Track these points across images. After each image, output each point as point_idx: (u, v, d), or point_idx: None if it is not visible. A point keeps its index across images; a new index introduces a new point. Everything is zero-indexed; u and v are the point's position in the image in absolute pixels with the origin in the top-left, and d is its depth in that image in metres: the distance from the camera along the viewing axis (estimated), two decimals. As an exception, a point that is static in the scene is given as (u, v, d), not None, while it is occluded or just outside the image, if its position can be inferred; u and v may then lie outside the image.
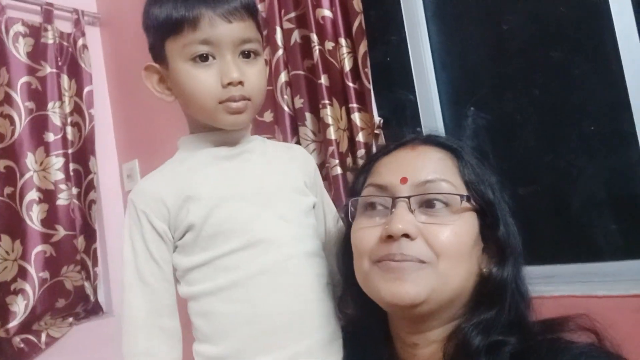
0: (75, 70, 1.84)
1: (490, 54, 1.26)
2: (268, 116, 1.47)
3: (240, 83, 0.70)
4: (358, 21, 1.28)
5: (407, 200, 0.59)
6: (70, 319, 1.70)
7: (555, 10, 1.12)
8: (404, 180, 0.60)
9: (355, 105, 1.28)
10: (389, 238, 0.57)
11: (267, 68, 0.86)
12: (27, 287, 1.59)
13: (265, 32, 1.47)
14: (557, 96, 1.14)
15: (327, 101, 1.30)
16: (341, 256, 0.71)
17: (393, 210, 0.59)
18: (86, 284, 1.74)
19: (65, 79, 1.81)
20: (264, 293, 0.71)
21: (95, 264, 1.78)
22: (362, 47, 1.27)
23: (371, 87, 1.28)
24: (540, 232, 1.19)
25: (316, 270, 0.75)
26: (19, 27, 1.70)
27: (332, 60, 1.31)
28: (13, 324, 1.55)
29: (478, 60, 1.29)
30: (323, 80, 1.31)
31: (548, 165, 1.16)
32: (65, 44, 1.83)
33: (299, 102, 1.39)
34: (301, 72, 1.39)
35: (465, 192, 0.60)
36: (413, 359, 0.63)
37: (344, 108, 1.31)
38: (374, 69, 1.32)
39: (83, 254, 1.74)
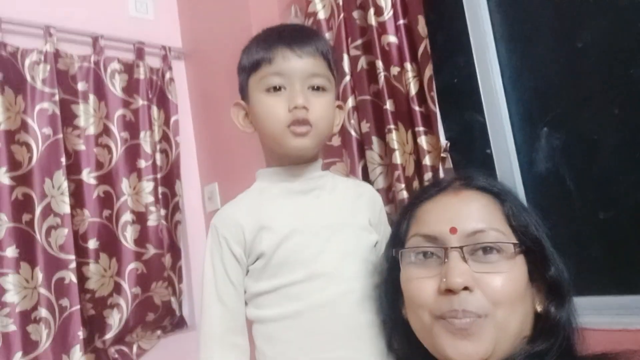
0: (163, 102, 2.02)
1: (564, 73, 1.21)
2: (336, 140, 1.51)
3: (305, 108, 0.77)
4: (423, 46, 1.29)
5: (460, 250, 0.59)
6: (159, 332, 1.84)
7: (633, 25, 1.06)
8: (453, 231, 0.61)
9: (421, 128, 1.29)
10: (448, 292, 0.58)
11: (340, 112, 0.91)
12: (122, 302, 1.75)
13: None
14: (638, 114, 1.07)
15: (392, 126, 1.31)
16: (387, 298, 0.72)
17: (447, 260, 0.60)
18: (172, 299, 1.87)
19: (154, 110, 1.98)
20: (323, 325, 0.75)
21: (180, 280, 1.92)
22: (428, 71, 1.28)
23: (437, 110, 1.27)
24: (626, 259, 1.11)
25: (372, 307, 0.78)
26: (115, 65, 1.90)
27: (397, 85, 1.33)
28: (109, 335, 1.71)
29: (550, 79, 1.24)
30: (388, 105, 1.33)
31: (631, 187, 1.09)
32: (154, 78, 2.01)
33: (365, 126, 1.42)
34: (367, 97, 1.43)
35: (514, 239, 0.61)
36: None
37: (410, 132, 1.32)
38: (441, 92, 1.32)
39: (170, 271, 1.88)
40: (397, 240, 0.69)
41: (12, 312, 1.51)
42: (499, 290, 0.58)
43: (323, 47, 0.82)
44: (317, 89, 0.80)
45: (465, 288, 0.57)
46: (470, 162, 1.35)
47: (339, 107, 0.90)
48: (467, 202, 0.64)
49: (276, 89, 0.79)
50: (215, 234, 0.82)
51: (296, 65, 0.78)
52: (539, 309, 0.62)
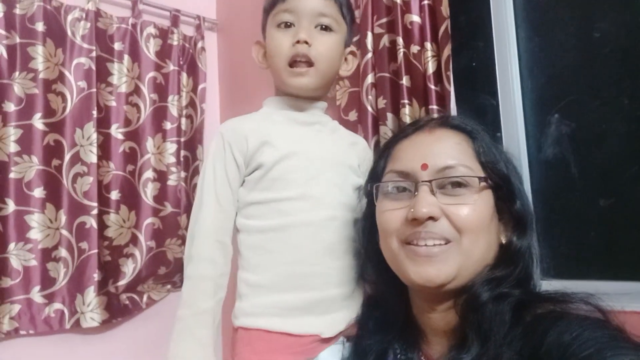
0: (193, 69, 2.10)
1: (579, 61, 1.23)
2: (353, 115, 1.56)
3: (306, 43, 0.83)
4: (444, 26, 1.33)
5: (429, 184, 0.64)
6: (169, 286, 1.93)
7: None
8: (424, 167, 0.65)
9: (435, 106, 1.32)
10: (415, 221, 0.63)
11: (354, 59, 0.98)
12: (137, 253, 1.85)
13: (357, 37, 1.57)
14: (646, 105, 1.09)
15: (406, 101, 1.35)
16: (363, 231, 0.77)
17: (416, 193, 0.64)
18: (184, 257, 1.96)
19: (184, 76, 2.06)
20: (306, 242, 0.82)
21: (193, 240, 2.00)
22: (446, 51, 1.31)
23: (452, 89, 1.31)
24: (622, 246, 1.13)
25: (351, 235, 0.85)
26: (150, 30, 1.98)
27: (415, 63, 1.37)
28: (122, 282, 1.80)
29: (566, 67, 1.26)
30: (404, 81, 1.37)
31: (633, 177, 1.11)
32: (187, 45, 2.09)
33: (382, 102, 1.46)
34: (386, 75, 1.47)
35: (482, 174, 0.65)
36: (429, 321, 0.68)
37: (423, 109, 1.36)
38: (459, 73, 1.35)
39: (184, 230, 1.96)
40: (374, 177, 0.74)
41: (34, 248, 1.62)
42: (464, 219, 0.62)
43: None
44: (325, 28, 0.87)
45: (430, 218, 0.62)
46: (480, 143, 1.38)
47: (352, 53, 0.96)
48: (440, 139, 0.68)
49: (287, 25, 0.86)
50: (220, 139, 0.87)
51: (306, 3, 0.85)
52: (503, 240, 0.66)
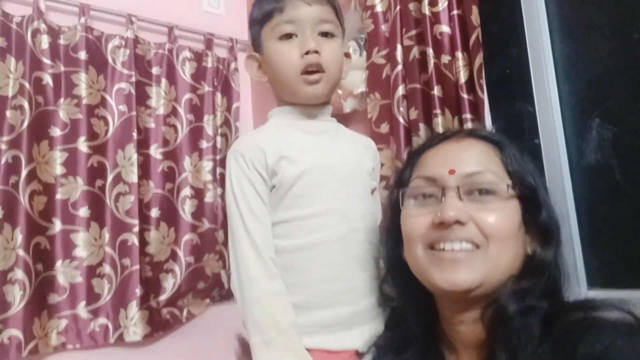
0: (226, 89, 2.16)
1: (619, 64, 1.20)
2: (384, 128, 1.56)
3: (316, 52, 0.82)
4: (475, 35, 1.32)
5: (456, 189, 0.63)
6: (207, 300, 1.96)
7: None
8: (452, 172, 0.64)
9: (468, 115, 1.31)
10: (441, 224, 0.61)
11: (348, 60, 0.96)
12: (176, 268, 1.89)
13: (386, 51, 1.59)
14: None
15: (439, 111, 1.35)
16: (387, 240, 0.75)
17: (443, 199, 0.63)
18: (222, 272, 1.99)
19: (219, 96, 2.12)
20: (335, 258, 0.81)
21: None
22: (478, 60, 1.30)
23: (485, 98, 1.30)
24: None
25: (374, 244, 0.85)
26: (186, 53, 2.06)
27: (447, 72, 1.36)
28: (162, 297, 1.84)
29: (605, 70, 1.22)
30: (436, 91, 1.36)
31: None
32: (220, 67, 2.15)
33: (413, 113, 1.46)
34: (417, 86, 1.47)
35: (509, 182, 0.64)
36: (457, 335, 0.67)
37: (456, 118, 1.34)
38: (493, 82, 1.34)
39: (222, 246, 1.99)
40: (400, 184, 0.73)
41: (79, 265, 1.68)
42: (492, 225, 0.61)
43: None
44: (327, 34, 0.86)
45: (458, 222, 0.60)
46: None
47: (347, 55, 0.94)
48: (468, 147, 0.68)
49: (288, 36, 0.84)
50: (240, 157, 0.83)
51: (306, 12, 0.83)
52: (529, 251, 0.65)
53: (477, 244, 0.61)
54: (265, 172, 0.84)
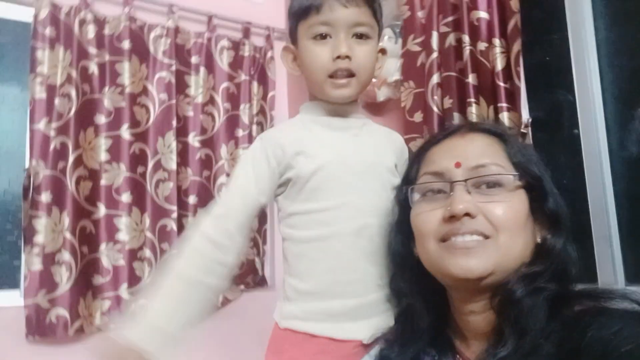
0: (263, 78, 2.18)
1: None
2: (418, 117, 1.54)
3: (348, 57, 0.83)
4: (514, 21, 1.28)
5: (464, 183, 0.64)
6: (242, 287, 2.01)
7: None
8: (458, 165, 0.66)
9: (504, 104, 1.28)
10: (452, 218, 0.63)
11: (383, 57, 0.96)
12: (213, 254, 1.94)
13: (422, 38, 1.56)
14: None
15: (473, 99, 1.32)
16: (397, 236, 0.76)
17: (452, 193, 0.65)
18: (256, 259, 2.03)
19: (255, 85, 2.15)
20: (345, 250, 0.83)
21: (264, 242, 2.07)
22: (516, 46, 1.27)
23: (522, 86, 1.26)
24: None
25: (387, 240, 0.83)
26: (224, 43, 2.09)
27: (483, 60, 1.33)
28: (200, 281, 1.90)
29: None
30: (471, 79, 1.33)
31: None
32: (257, 56, 2.18)
33: (447, 102, 1.43)
34: (453, 74, 1.44)
35: (515, 173, 0.65)
36: (467, 325, 0.68)
37: (492, 107, 1.31)
38: (531, 69, 1.30)
39: (256, 233, 2.03)
40: (408, 182, 0.74)
41: (122, 249, 1.76)
42: (501, 216, 0.62)
43: None
44: (361, 36, 0.86)
45: (468, 215, 0.62)
46: (556, 141, 1.32)
47: (382, 51, 0.94)
48: (472, 141, 0.69)
49: (322, 37, 0.85)
50: (260, 143, 0.90)
51: (342, 14, 0.84)
52: (538, 239, 0.66)
53: (487, 235, 0.62)
54: (277, 163, 0.87)
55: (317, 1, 0.85)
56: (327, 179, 0.85)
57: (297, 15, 0.89)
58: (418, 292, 0.73)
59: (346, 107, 0.92)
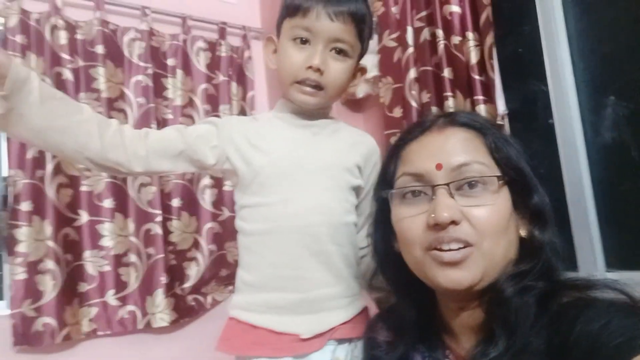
0: (241, 78, 2.17)
1: (635, 39, 1.16)
2: (397, 112, 1.56)
3: (319, 71, 0.83)
4: (486, 14, 1.30)
5: (446, 186, 0.62)
6: (230, 287, 2.01)
7: None
8: (439, 167, 0.63)
9: (480, 97, 1.30)
10: (437, 226, 0.61)
11: (361, 75, 0.96)
12: (199, 256, 1.94)
13: (397, 33, 1.57)
14: None
15: (450, 93, 1.34)
16: (375, 233, 0.74)
17: (434, 197, 0.62)
18: (242, 259, 2.03)
19: (234, 85, 2.14)
20: (289, 247, 0.85)
21: (250, 242, 2.07)
22: (489, 39, 1.29)
23: (496, 78, 1.28)
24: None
25: (338, 240, 0.87)
26: (200, 44, 2.08)
27: (457, 54, 1.35)
28: (187, 285, 1.90)
29: (620, 45, 1.19)
30: (446, 73, 1.35)
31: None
32: (234, 56, 2.17)
33: (425, 96, 1.45)
34: (429, 68, 1.45)
35: (497, 170, 0.63)
36: (456, 320, 0.67)
37: (468, 100, 1.33)
38: (505, 61, 1.32)
39: (240, 235, 2.03)
40: (385, 182, 0.72)
41: (107, 255, 1.75)
42: (485, 221, 0.60)
43: (358, 13, 0.85)
44: (339, 52, 0.85)
45: (452, 222, 0.60)
46: (531, 131, 1.34)
47: (362, 70, 0.94)
48: (451, 137, 0.66)
49: (302, 41, 0.85)
50: (224, 118, 0.94)
51: (325, 26, 0.83)
52: (522, 233, 0.64)
53: (471, 244, 0.61)
54: (217, 143, 0.89)
55: (307, 5, 0.84)
56: (276, 174, 0.87)
57: (286, 11, 0.89)
58: (402, 288, 0.72)
59: (315, 109, 0.92)
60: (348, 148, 0.93)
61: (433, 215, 0.61)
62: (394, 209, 0.69)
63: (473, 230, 0.61)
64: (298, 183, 0.87)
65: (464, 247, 0.60)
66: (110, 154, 0.81)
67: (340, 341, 0.87)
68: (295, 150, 0.89)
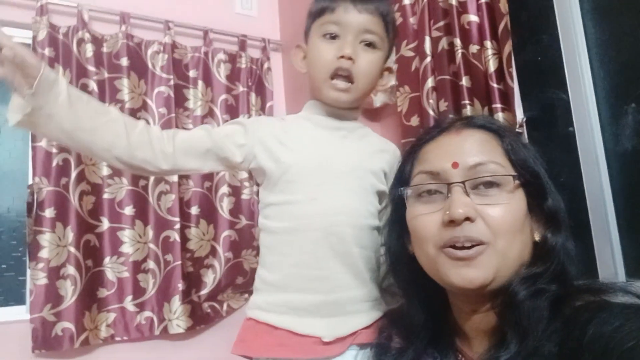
0: (260, 89, 2.21)
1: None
2: (415, 121, 1.56)
3: (351, 59, 0.85)
4: (504, 23, 1.30)
5: (462, 184, 0.62)
6: (246, 295, 2.02)
7: None
8: (455, 165, 0.64)
9: (498, 105, 1.29)
10: (451, 223, 0.61)
11: (390, 75, 0.98)
12: (216, 264, 1.96)
13: (415, 43, 1.58)
14: None
15: (467, 102, 1.33)
16: (390, 234, 0.75)
17: (449, 195, 0.63)
18: (259, 268, 2.04)
19: (253, 96, 2.18)
20: (314, 246, 0.85)
21: (267, 251, 2.08)
22: (507, 47, 1.28)
23: (515, 86, 1.27)
24: None
25: (362, 242, 0.86)
26: (221, 56, 2.12)
27: (475, 62, 1.35)
28: (203, 292, 1.92)
29: (640, 52, 1.18)
30: (464, 82, 1.35)
31: None
32: (254, 67, 2.21)
33: (443, 105, 1.45)
34: (447, 77, 1.46)
35: (513, 171, 0.63)
36: (469, 323, 0.67)
37: (486, 108, 1.33)
38: (523, 70, 1.32)
39: (258, 242, 2.04)
40: (402, 180, 0.72)
41: (126, 261, 1.78)
42: (500, 220, 0.60)
43: (383, 8, 0.89)
44: (369, 45, 0.88)
45: (467, 219, 0.60)
46: (551, 139, 1.33)
47: (389, 69, 0.96)
48: (468, 138, 0.67)
49: (332, 36, 0.87)
50: (253, 118, 0.98)
51: (354, 18, 0.86)
52: (537, 237, 0.64)
53: (485, 243, 0.61)
54: (244, 142, 0.91)
55: (334, 3, 0.88)
56: (304, 172, 0.87)
57: (314, 14, 0.92)
58: (414, 289, 0.72)
59: (344, 111, 0.94)
60: (375, 153, 0.94)
61: (448, 212, 0.61)
62: (410, 207, 0.69)
63: (487, 229, 0.61)
64: (325, 182, 0.87)
65: (477, 245, 0.60)
66: (137, 152, 0.84)
67: (362, 346, 0.86)
68: (324, 150, 0.90)
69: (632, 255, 1.17)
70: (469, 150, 0.65)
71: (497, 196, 0.62)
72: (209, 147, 0.89)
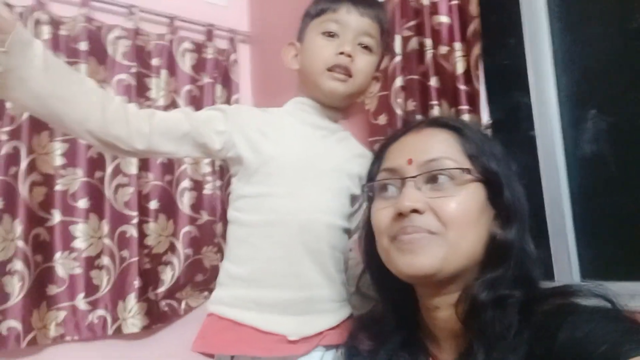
0: (226, 81, 2.15)
1: (617, 54, 1.18)
2: (382, 119, 1.55)
3: (350, 57, 0.86)
4: (473, 25, 1.31)
5: (414, 179, 0.64)
6: (206, 293, 1.96)
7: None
8: (409, 162, 0.66)
9: (465, 107, 1.30)
10: (400, 215, 0.63)
11: (375, 83, 0.98)
12: (175, 260, 1.90)
13: (385, 41, 1.58)
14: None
15: (435, 102, 1.34)
16: (363, 238, 0.76)
17: (402, 189, 0.65)
18: (220, 265, 1.99)
19: (218, 88, 2.12)
20: (288, 241, 0.83)
21: (229, 248, 2.04)
22: (476, 50, 1.29)
23: (481, 89, 1.28)
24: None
25: (333, 242, 0.86)
26: (186, 45, 2.05)
27: (444, 63, 1.35)
28: (161, 289, 1.85)
29: (603, 60, 1.21)
30: (433, 82, 1.35)
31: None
32: (220, 58, 2.15)
33: (411, 104, 1.45)
34: (415, 77, 1.45)
35: (467, 166, 0.64)
36: (434, 322, 0.68)
37: (453, 109, 1.33)
38: (490, 73, 1.32)
39: (220, 238, 2.00)
40: (369, 179, 0.75)
41: (78, 257, 1.69)
42: (450, 212, 0.62)
43: (382, 17, 0.92)
44: (365, 47, 0.89)
45: (416, 211, 0.62)
46: (513, 142, 1.35)
47: (376, 78, 0.96)
48: (426, 136, 0.69)
49: (331, 35, 0.88)
50: (235, 105, 0.91)
51: (355, 19, 0.88)
52: (492, 233, 0.65)
53: (434, 233, 0.62)
54: (224, 129, 0.88)
55: (336, 4, 0.89)
56: (285, 167, 0.86)
57: (313, 14, 0.92)
58: (385, 291, 0.73)
59: (330, 111, 0.93)
60: (354, 157, 0.94)
61: (397, 205, 0.63)
62: (373, 204, 0.71)
63: (437, 220, 0.62)
64: (307, 179, 0.86)
65: (426, 237, 0.62)
66: (111, 128, 0.79)
67: (329, 348, 0.85)
68: (307, 147, 0.89)
69: (587, 257, 1.20)
70: (425, 148, 0.67)
71: (450, 190, 0.63)
72: (186, 131, 0.86)
